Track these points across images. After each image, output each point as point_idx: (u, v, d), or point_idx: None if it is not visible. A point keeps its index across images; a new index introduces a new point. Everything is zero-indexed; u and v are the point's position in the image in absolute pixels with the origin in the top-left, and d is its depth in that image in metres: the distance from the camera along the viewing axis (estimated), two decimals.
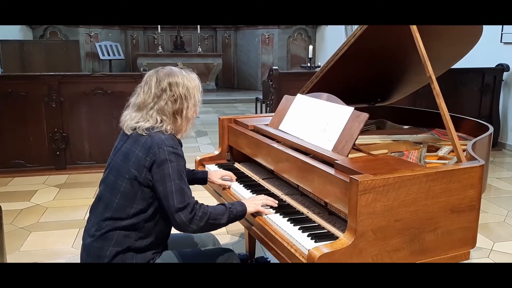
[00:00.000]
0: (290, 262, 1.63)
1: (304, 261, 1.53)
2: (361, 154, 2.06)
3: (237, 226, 3.40)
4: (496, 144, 6.17)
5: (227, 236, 3.40)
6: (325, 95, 2.19)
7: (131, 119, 1.82)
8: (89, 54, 10.73)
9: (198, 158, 2.69)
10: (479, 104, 6.07)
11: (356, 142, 2.20)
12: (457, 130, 2.68)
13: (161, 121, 1.79)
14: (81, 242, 1.87)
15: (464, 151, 1.89)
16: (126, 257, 1.75)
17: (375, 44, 2.37)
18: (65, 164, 5.00)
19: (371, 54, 2.50)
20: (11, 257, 3.05)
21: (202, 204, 1.79)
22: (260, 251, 3.07)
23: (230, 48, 12.43)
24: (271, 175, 2.39)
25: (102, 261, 1.74)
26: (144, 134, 1.77)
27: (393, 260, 1.58)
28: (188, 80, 1.84)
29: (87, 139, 5.04)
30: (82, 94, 4.94)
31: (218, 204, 1.88)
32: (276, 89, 5.35)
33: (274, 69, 5.40)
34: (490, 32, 6.06)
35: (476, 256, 3.13)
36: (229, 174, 2.35)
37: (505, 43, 6.05)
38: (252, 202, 1.92)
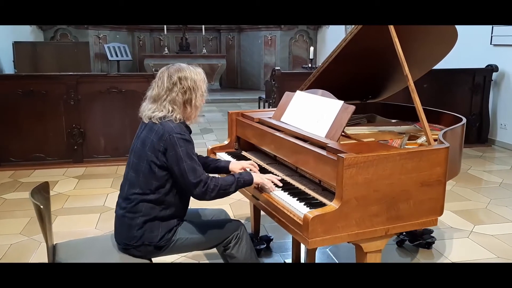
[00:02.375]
0: (290, 226, 1.99)
1: (301, 223, 1.89)
2: (351, 141, 2.43)
3: (244, 211, 3.79)
4: (487, 140, 6.53)
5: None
6: (320, 91, 2.55)
7: (148, 109, 2.16)
8: (98, 55, 11.12)
9: (210, 147, 3.06)
10: (470, 102, 6.42)
11: (348, 133, 2.58)
12: (438, 122, 3.08)
13: (172, 110, 2.11)
14: (114, 215, 2.26)
15: (435, 140, 2.25)
16: (154, 225, 2.12)
17: (365, 47, 2.72)
18: (82, 158, 5.38)
19: (362, 56, 2.85)
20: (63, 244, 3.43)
21: (214, 177, 2.15)
22: (264, 231, 3.44)
23: (234, 49, 12.80)
24: (273, 161, 2.76)
25: (133, 228, 2.11)
26: (157, 122, 2.11)
27: (373, 223, 1.95)
28: (195, 74, 2.18)
29: (103, 135, 5.42)
30: (98, 93, 5.32)
31: (228, 175, 2.24)
32: (278, 88, 5.72)
33: (277, 69, 5.77)
34: (480, 34, 6.45)
35: (457, 236, 3.49)
36: (250, 165, 2.48)
37: (494, 45, 6.40)
38: (260, 175, 2.29)
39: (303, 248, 2.80)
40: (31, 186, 4.70)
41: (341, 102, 2.32)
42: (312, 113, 2.46)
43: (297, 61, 11.77)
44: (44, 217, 1.97)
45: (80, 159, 5.37)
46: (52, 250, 2.17)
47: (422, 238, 3.28)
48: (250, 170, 2.45)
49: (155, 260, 2.24)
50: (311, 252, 2.65)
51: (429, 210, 2.06)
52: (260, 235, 3.29)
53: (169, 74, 2.15)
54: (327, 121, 2.32)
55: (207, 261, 3.11)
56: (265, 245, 3.23)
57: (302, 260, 2.80)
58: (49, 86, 5.22)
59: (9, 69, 8.57)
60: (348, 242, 1.98)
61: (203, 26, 11.69)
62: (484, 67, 6.37)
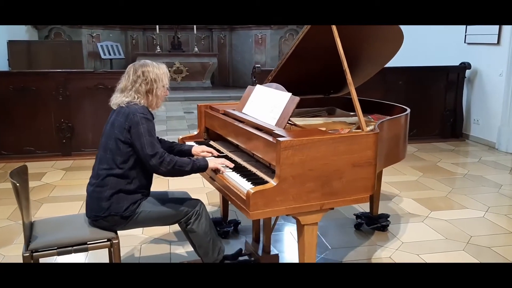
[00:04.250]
0: (237, 201, 2.26)
1: (245, 198, 2.16)
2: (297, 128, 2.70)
3: (216, 199, 4.05)
4: (461, 135, 6.80)
5: (208, 206, 4.04)
6: (275, 85, 2.82)
7: (116, 98, 2.50)
8: (91, 54, 11.38)
9: (180, 137, 3.33)
10: (444, 99, 6.68)
11: (302, 123, 2.85)
12: (388, 113, 3.34)
13: (137, 97, 2.46)
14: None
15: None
16: (120, 197, 2.40)
17: (320, 44, 2.97)
18: (71, 151, 5.66)
19: (320, 53, 3.09)
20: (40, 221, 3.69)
21: (172, 155, 2.44)
22: (233, 215, 3.71)
23: (226, 48, 13.06)
24: (236, 149, 3.03)
25: (102, 201, 2.39)
26: (124, 106, 2.44)
27: (309, 198, 2.22)
28: (157, 69, 2.51)
29: (90, 129, 5.69)
30: (86, 89, 5.59)
31: (186, 158, 2.52)
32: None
33: (257, 66, 6.05)
34: (455, 33, 6.73)
35: (412, 221, 3.76)
36: (210, 150, 2.86)
37: (468, 43, 6.67)
38: (213, 160, 2.58)
39: (261, 228, 3.07)
40: None
41: (289, 94, 2.59)
42: (267, 104, 2.74)
43: None
44: (20, 194, 2.23)
45: (68, 152, 5.64)
46: (29, 226, 2.43)
47: (378, 222, 3.55)
48: (212, 154, 2.77)
49: (158, 260, 2.50)
50: (267, 233, 2.92)
51: (361, 188, 2.34)
52: (229, 219, 3.56)
53: (134, 69, 2.50)
54: (277, 111, 2.60)
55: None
56: (232, 228, 3.50)
57: (261, 239, 3.07)
58: (39, 82, 5.49)
59: (3, 67, 8.80)
60: (287, 215, 2.25)
61: (194, 26, 11.95)
62: (458, 64, 6.64)
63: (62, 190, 4.51)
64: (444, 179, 4.89)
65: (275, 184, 2.15)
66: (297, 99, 2.52)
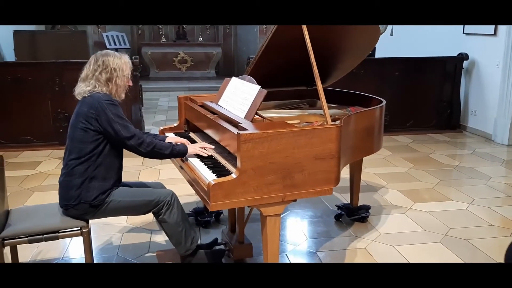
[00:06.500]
0: (201, 192, 2.32)
1: (206, 189, 2.22)
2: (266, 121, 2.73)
3: None
4: (459, 126, 6.76)
5: (194, 197, 4.10)
6: (248, 77, 2.85)
7: (79, 88, 2.56)
8: (97, 44, 11.46)
9: (161, 128, 3.38)
10: (441, 90, 6.63)
11: (277, 115, 2.89)
12: (368, 106, 3.35)
13: (98, 86, 2.51)
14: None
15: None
16: (89, 185, 2.47)
17: (293, 36, 2.96)
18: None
19: (295, 45, 3.07)
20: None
21: (152, 136, 2.55)
22: None
23: (231, 38, 13.09)
24: (212, 140, 3.07)
25: (71, 189, 2.47)
26: (87, 95, 2.50)
27: (270, 191, 2.26)
28: (118, 59, 2.57)
29: None
30: None
31: (167, 142, 2.66)
32: None
33: (251, 57, 6.06)
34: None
35: (394, 212, 3.79)
36: (184, 141, 2.94)
37: (467, 34, 6.60)
38: (192, 146, 2.70)
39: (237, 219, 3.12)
40: (18, 165, 5.09)
41: (258, 87, 2.62)
42: (239, 97, 2.78)
43: None
44: None
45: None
46: (5, 214, 2.52)
47: (358, 213, 3.58)
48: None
49: (136, 248, 2.57)
50: (240, 224, 2.97)
51: (324, 180, 2.37)
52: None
53: (96, 58, 2.56)
54: (247, 104, 2.63)
55: None
56: (213, 218, 3.57)
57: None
58: (35, 73, 5.60)
59: (10, 57, 8.95)
60: (248, 206, 2.30)
61: None
62: (456, 55, 6.58)
63: (55, 179, 4.56)
64: (433, 170, 4.89)
65: (235, 176, 2.19)
66: (264, 91, 2.55)
